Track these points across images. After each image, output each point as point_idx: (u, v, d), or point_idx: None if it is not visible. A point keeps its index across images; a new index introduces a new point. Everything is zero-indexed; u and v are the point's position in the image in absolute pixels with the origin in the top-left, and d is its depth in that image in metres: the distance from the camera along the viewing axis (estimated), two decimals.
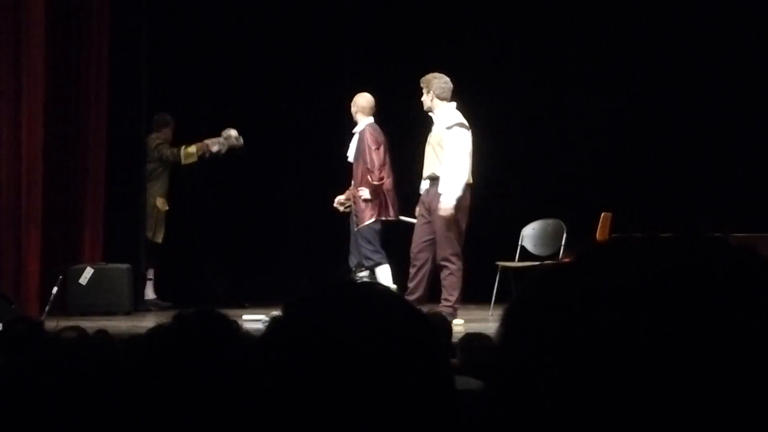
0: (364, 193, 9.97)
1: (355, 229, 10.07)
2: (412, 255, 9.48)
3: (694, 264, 0.91)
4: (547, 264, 10.15)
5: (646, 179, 12.27)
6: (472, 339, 5.09)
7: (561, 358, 0.89)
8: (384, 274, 9.94)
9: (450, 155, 9.30)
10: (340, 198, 10.26)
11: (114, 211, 11.46)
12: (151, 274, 11.66)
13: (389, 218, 10.11)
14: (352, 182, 10.15)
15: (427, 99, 9.48)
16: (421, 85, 9.52)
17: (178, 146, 11.48)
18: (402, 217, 10.21)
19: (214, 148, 11.20)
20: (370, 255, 9.99)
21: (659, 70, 12.40)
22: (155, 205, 11.51)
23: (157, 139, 11.57)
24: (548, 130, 12.63)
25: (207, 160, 11.45)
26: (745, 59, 12.11)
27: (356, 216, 10.08)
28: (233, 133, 11.22)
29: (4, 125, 10.62)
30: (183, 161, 11.41)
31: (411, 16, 12.77)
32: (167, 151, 11.43)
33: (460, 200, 9.31)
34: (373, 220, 10.02)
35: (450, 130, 9.37)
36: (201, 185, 11.93)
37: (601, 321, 0.88)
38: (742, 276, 0.90)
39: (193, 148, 11.33)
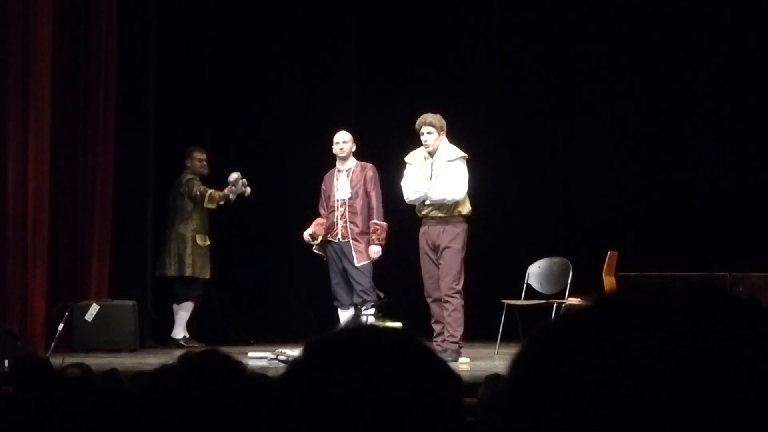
0: (376, 244, 10.07)
1: (357, 265, 10.10)
2: (428, 294, 9.48)
3: (702, 319, 0.91)
4: (555, 303, 10.15)
5: (652, 218, 12.27)
6: (498, 378, 5.05)
7: (570, 405, 0.89)
8: (368, 311, 10.01)
9: (451, 181, 9.32)
10: (312, 232, 10.31)
11: (120, 247, 11.47)
12: (184, 310, 11.45)
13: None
14: (343, 219, 10.20)
15: (437, 140, 9.43)
16: (425, 128, 9.39)
17: (210, 186, 11.35)
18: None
19: (231, 195, 11.20)
20: (369, 291, 10.05)
21: (665, 109, 12.42)
22: (195, 243, 11.37)
23: (188, 173, 11.47)
24: (555, 167, 12.65)
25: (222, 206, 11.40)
26: (755, 96, 12.13)
27: (357, 252, 10.12)
28: (234, 176, 11.15)
29: (11, 161, 10.65)
30: (205, 203, 11.31)
31: (414, 49, 12.82)
32: (196, 189, 11.31)
33: (461, 236, 9.36)
34: (377, 257, 10.10)
35: (452, 162, 9.39)
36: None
37: (611, 371, 0.88)
38: (748, 331, 0.90)
39: (216, 195, 11.22)
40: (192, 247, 11.37)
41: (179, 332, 11.42)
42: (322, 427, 1.28)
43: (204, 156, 11.54)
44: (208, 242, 11.50)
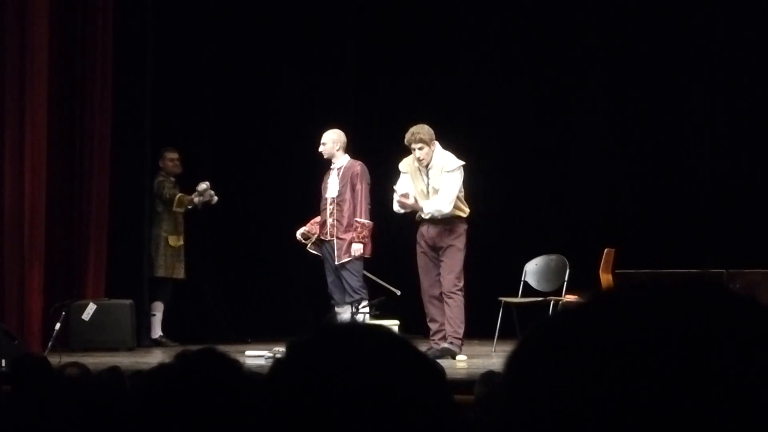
0: (357, 242, 10.01)
1: (337, 263, 10.08)
2: (425, 293, 9.48)
3: (699, 316, 0.91)
4: (552, 301, 10.15)
5: (649, 215, 12.28)
6: (493, 375, 5.05)
7: (566, 403, 0.89)
8: (364, 309, 9.98)
9: (446, 193, 9.33)
10: (304, 231, 10.32)
11: (117, 247, 11.46)
12: (155, 310, 11.61)
13: (368, 256, 10.15)
14: (332, 218, 10.18)
15: (429, 152, 9.40)
16: (416, 144, 9.34)
17: (180, 190, 11.52)
18: (379, 281, 10.40)
19: (196, 200, 11.34)
20: (359, 288, 10.03)
21: (662, 107, 12.43)
22: (167, 243, 11.54)
23: (160, 175, 11.66)
24: (552, 165, 12.65)
25: (190, 211, 11.54)
26: (753, 94, 12.14)
27: (339, 249, 10.09)
28: (202, 186, 11.30)
29: (7, 160, 10.64)
30: (173, 207, 11.50)
31: (411, 58, 12.83)
32: (166, 192, 11.53)
33: (463, 235, 9.38)
34: (361, 254, 10.04)
35: (451, 173, 9.39)
36: (202, 220, 11.92)
37: (607, 369, 0.89)
38: (745, 328, 0.91)
39: (185, 200, 11.43)
40: (164, 248, 11.55)
41: (156, 331, 11.54)
42: (306, 426, 1.28)
43: (176, 155, 11.68)
44: (182, 242, 11.63)
